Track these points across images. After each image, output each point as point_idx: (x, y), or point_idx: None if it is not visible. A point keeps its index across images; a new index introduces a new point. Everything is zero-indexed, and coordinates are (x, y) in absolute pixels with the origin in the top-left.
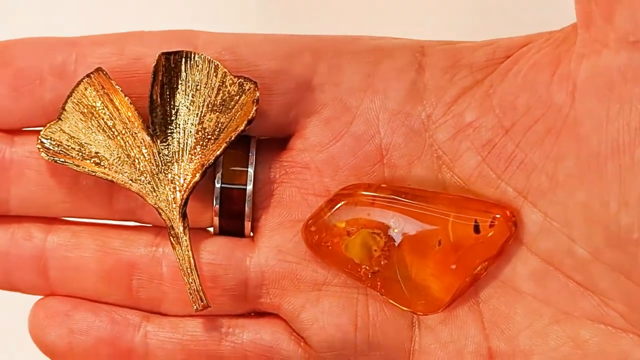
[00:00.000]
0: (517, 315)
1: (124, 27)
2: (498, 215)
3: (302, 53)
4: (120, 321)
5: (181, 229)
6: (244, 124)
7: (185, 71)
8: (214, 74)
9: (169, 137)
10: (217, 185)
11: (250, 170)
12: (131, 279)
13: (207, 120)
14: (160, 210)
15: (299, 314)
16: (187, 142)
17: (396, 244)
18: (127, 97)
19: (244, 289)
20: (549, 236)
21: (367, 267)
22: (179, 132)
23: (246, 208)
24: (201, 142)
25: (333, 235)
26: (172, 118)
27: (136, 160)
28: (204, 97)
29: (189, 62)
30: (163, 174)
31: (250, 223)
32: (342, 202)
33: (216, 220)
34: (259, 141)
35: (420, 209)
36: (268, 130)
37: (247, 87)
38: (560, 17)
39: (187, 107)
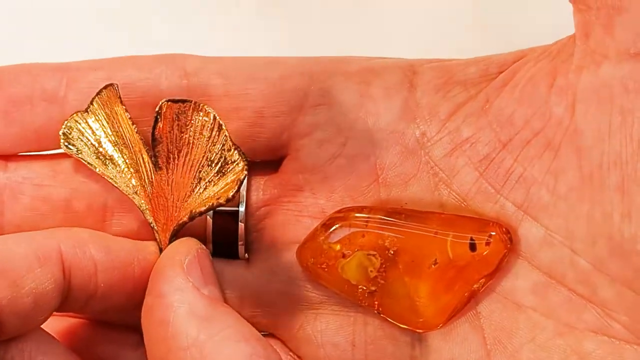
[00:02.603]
0: (519, 329)
1: (117, 46)
2: (494, 233)
3: (294, 75)
4: (118, 340)
5: None
6: (224, 198)
7: (192, 119)
8: (217, 133)
9: (169, 172)
10: None
11: (243, 192)
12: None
13: (204, 173)
14: (155, 231)
15: (295, 333)
16: (184, 183)
17: (392, 265)
18: (131, 121)
19: (239, 310)
20: (551, 249)
21: (364, 287)
22: (178, 172)
23: (239, 231)
24: (195, 190)
25: (328, 257)
26: (174, 157)
27: (142, 177)
28: (204, 150)
29: (197, 112)
30: (161, 200)
31: (244, 245)
32: (337, 225)
33: (209, 244)
34: (251, 163)
35: (415, 229)
36: (260, 153)
37: (237, 163)
38: (548, 34)
39: (188, 153)
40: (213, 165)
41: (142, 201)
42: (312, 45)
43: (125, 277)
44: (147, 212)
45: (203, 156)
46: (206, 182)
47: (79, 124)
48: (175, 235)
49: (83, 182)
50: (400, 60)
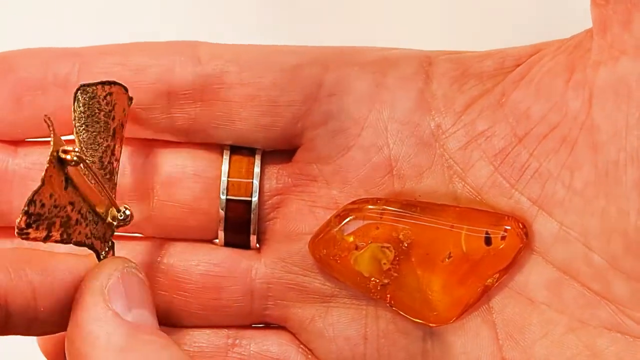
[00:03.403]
0: (531, 325)
1: (127, 37)
2: (509, 227)
3: (309, 64)
4: None
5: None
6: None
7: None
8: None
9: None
10: (222, 197)
11: (256, 182)
12: None
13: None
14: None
15: (306, 326)
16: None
17: (406, 258)
18: None
19: (249, 301)
20: (565, 245)
21: (377, 280)
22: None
23: (251, 220)
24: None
25: (341, 249)
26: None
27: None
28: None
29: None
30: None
31: (255, 235)
32: (351, 217)
33: (221, 232)
34: (265, 153)
35: (430, 222)
36: (274, 142)
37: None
38: (564, 28)
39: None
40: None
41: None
42: (322, 38)
43: (67, 298)
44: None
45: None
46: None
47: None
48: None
49: None
50: (416, 51)
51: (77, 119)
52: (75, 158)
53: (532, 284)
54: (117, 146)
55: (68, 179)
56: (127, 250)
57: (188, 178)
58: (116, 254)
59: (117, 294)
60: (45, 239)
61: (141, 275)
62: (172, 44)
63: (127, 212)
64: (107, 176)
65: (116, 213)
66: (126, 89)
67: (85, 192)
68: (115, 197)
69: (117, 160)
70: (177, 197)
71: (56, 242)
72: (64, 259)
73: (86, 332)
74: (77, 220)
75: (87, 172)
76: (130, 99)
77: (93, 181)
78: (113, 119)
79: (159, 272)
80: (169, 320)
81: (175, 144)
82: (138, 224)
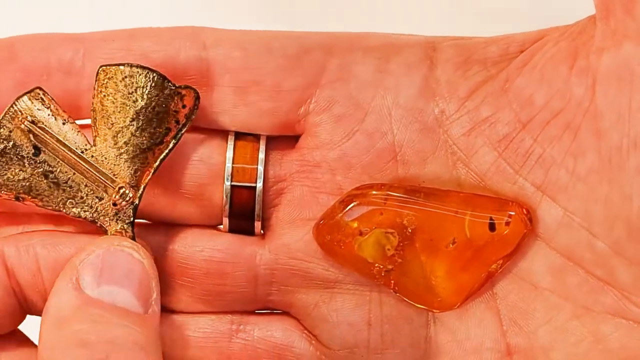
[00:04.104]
0: (535, 311)
1: (128, 24)
2: (513, 213)
3: (312, 50)
4: None
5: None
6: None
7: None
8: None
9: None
10: (227, 184)
11: (260, 168)
12: None
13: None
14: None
15: (310, 312)
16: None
17: (410, 243)
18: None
19: (253, 286)
20: (569, 231)
21: (381, 266)
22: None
23: (256, 206)
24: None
25: (345, 235)
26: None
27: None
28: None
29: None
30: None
31: (260, 222)
32: (355, 202)
33: (225, 218)
34: (269, 139)
35: (434, 207)
36: (277, 127)
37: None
38: (570, 14)
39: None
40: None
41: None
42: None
43: None
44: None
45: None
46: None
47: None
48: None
49: None
50: (420, 37)
51: (94, 95)
52: (22, 126)
53: (535, 270)
54: (140, 129)
55: (37, 148)
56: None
57: (193, 164)
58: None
59: (89, 269)
60: (17, 200)
61: (138, 255)
62: (176, 29)
63: (123, 190)
64: (124, 156)
65: (120, 193)
66: (165, 79)
67: (81, 169)
68: (142, 178)
69: (139, 145)
70: (181, 183)
71: (38, 206)
72: (70, 237)
73: (47, 304)
74: (64, 190)
75: (59, 147)
76: (193, 95)
77: (72, 155)
78: (135, 101)
79: (163, 257)
80: (173, 306)
81: None
82: (142, 210)
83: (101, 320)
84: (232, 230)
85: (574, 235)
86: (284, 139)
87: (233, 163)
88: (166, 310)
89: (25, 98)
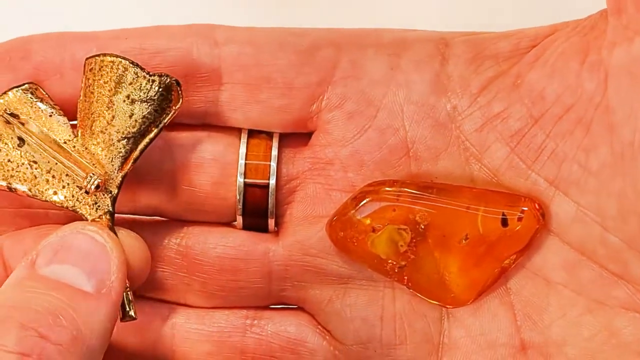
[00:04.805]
0: (549, 306)
1: (140, 23)
2: (526, 208)
3: (324, 47)
4: (150, 312)
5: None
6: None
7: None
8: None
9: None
10: (240, 180)
11: (273, 165)
12: (155, 271)
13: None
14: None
15: (324, 307)
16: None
17: (423, 239)
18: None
19: (267, 282)
20: (582, 226)
21: (394, 262)
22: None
23: (269, 203)
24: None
25: (358, 231)
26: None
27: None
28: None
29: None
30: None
31: (273, 219)
32: (367, 199)
33: (239, 216)
34: (282, 136)
35: (447, 203)
36: (290, 125)
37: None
38: (581, 8)
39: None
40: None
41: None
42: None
43: None
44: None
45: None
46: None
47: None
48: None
49: None
50: (432, 33)
51: (80, 88)
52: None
53: (549, 265)
54: (116, 118)
55: (21, 139)
56: (147, 232)
57: (206, 162)
58: (132, 234)
59: (47, 249)
60: (10, 190)
61: (101, 239)
62: (189, 27)
63: (92, 178)
64: (101, 146)
65: (88, 179)
66: (138, 67)
67: (61, 159)
68: (121, 168)
69: (115, 134)
70: (195, 182)
71: (29, 197)
72: (56, 227)
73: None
74: (47, 180)
75: (41, 139)
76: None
77: (53, 146)
78: (110, 90)
79: (178, 253)
80: (189, 301)
81: (192, 127)
82: (157, 207)
83: (30, 291)
84: (246, 227)
85: (587, 230)
86: (297, 136)
87: (246, 160)
88: (181, 305)
89: (13, 91)
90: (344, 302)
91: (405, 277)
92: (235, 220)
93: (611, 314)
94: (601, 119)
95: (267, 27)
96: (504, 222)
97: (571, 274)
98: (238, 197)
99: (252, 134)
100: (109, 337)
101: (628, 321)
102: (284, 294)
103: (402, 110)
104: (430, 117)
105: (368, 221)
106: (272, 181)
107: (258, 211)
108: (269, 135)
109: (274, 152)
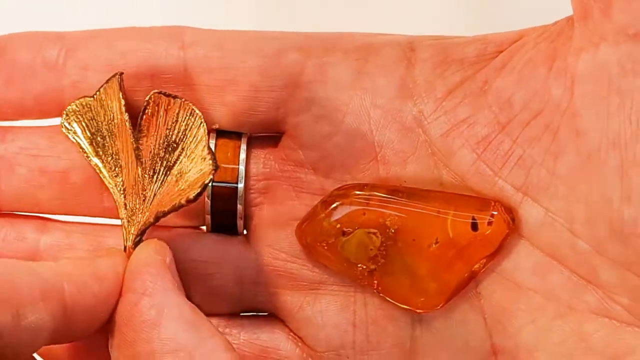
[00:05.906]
0: (519, 310)
1: (115, 23)
2: (496, 213)
3: (290, 50)
4: None
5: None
6: (185, 199)
7: (178, 118)
8: (199, 132)
9: (150, 170)
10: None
11: (242, 168)
12: None
13: (176, 174)
14: (124, 229)
15: (295, 314)
16: (158, 180)
17: (393, 243)
18: (127, 114)
19: (238, 288)
20: (551, 230)
21: (364, 266)
22: (155, 169)
23: (238, 206)
24: (165, 188)
25: (328, 235)
26: (156, 152)
27: (126, 172)
28: (179, 151)
29: (183, 111)
30: (136, 198)
31: (242, 221)
32: (337, 203)
33: (208, 218)
34: (252, 138)
35: (416, 207)
36: (258, 127)
37: (207, 161)
38: (548, 13)
39: (165, 151)
40: (183, 169)
41: (121, 196)
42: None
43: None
44: (122, 208)
45: (178, 156)
46: (173, 183)
47: (84, 108)
48: (142, 235)
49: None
50: (399, 37)
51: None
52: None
53: (519, 269)
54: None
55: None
56: (113, 238)
57: None
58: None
59: (173, 272)
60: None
61: None
62: (158, 29)
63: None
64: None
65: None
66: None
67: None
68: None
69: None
70: None
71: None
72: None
73: (156, 302)
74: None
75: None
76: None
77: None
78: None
79: None
80: None
81: None
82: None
83: (211, 325)
84: (215, 230)
85: (557, 235)
86: (267, 138)
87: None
88: None
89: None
90: (315, 308)
91: (375, 282)
92: (203, 224)
93: (581, 319)
94: (568, 124)
95: (237, 30)
96: (474, 227)
97: (541, 279)
98: (207, 199)
99: (221, 134)
100: None
101: (598, 326)
102: (255, 299)
103: (369, 114)
104: (396, 121)
105: (338, 225)
106: (241, 184)
107: (227, 213)
108: (238, 135)
109: (243, 154)
